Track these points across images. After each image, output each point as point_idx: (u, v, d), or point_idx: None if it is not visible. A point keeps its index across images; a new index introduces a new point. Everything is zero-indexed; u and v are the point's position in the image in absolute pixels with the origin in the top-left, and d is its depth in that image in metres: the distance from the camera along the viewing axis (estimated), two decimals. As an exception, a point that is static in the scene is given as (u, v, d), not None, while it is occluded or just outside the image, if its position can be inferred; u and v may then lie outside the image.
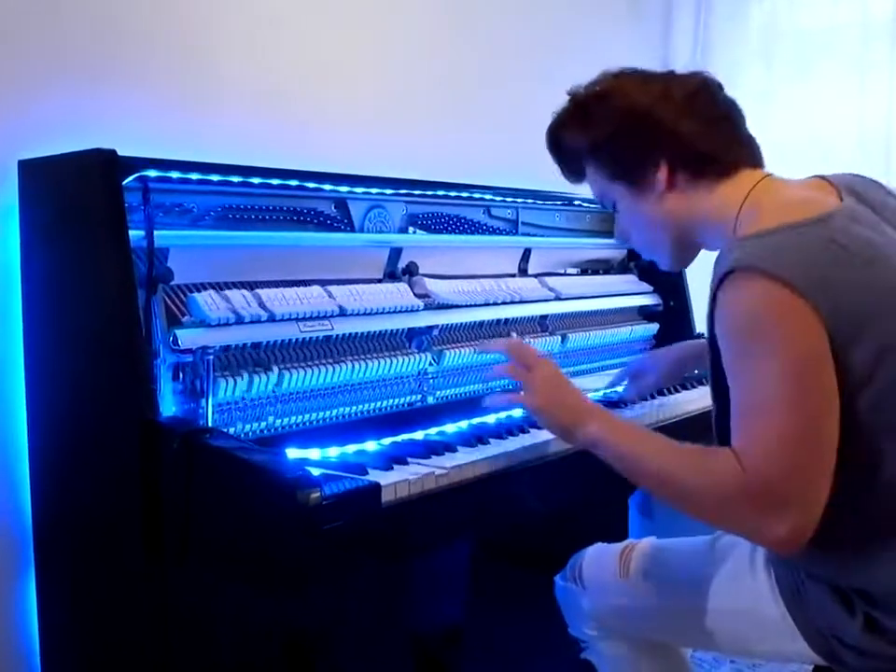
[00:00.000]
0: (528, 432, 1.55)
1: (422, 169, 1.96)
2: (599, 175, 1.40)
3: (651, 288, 2.32)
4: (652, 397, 1.88)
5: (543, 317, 2.00)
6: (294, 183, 1.55)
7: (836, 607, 1.25)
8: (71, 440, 1.43)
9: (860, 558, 1.23)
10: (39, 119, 1.52)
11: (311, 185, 1.58)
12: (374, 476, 1.26)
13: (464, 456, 1.39)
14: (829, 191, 1.28)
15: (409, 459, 1.35)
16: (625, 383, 1.84)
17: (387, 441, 1.47)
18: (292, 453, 1.33)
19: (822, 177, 1.34)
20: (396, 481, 1.25)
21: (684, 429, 1.74)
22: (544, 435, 1.51)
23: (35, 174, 1.44)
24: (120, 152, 1.34)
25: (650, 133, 1.32)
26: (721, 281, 1.16)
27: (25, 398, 1.49)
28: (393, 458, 1.34)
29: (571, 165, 1.45)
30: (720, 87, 1.37)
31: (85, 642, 1.49)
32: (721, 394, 1.23)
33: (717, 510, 1.18)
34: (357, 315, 1.57)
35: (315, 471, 1.25)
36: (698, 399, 1.87)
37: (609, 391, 1.86)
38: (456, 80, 2.25)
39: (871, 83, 2.59)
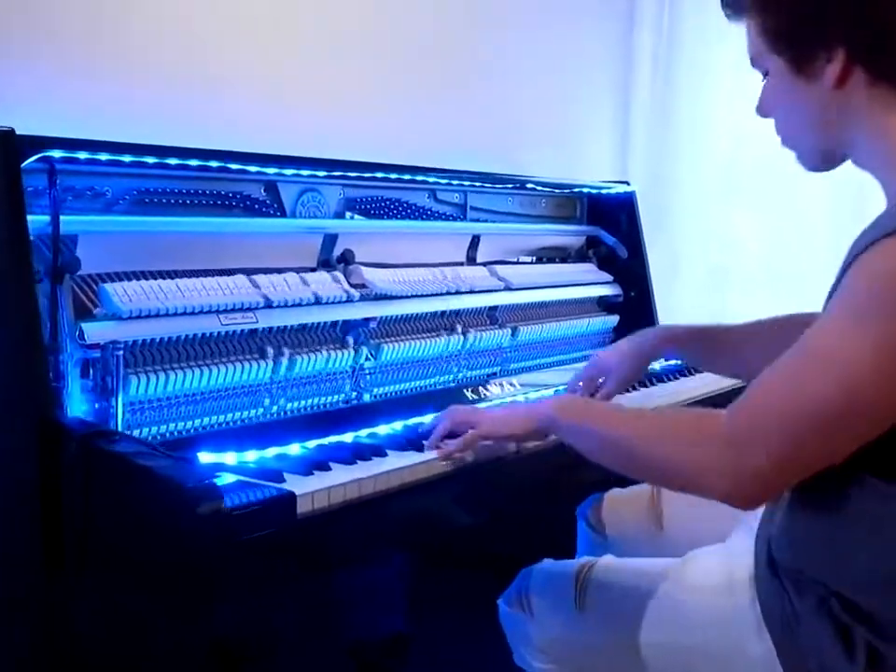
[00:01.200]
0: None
1: (362, 150, 1.93)
2: (758, 35, 1.21)
3: (610, 278, 2.31)
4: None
5: (493, 309, 1.97)
6: (215, 164, 1.51)
7: (834, 641, 1.14)
8: None
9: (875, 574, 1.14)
10: None
11: (235, 167, 1.53)
12: (292, 483, 1.22)
13: (393, 462, 1.35)
14: None
15: (332, 465, 1.31)
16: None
17: (313, 443, 1.42)
18: (205, 457, 1.29)
19: None
20: (314, 489, 1.21)
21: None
22: None
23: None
24: (22, 129, 1.29)
25: (835, 13, 1.13)
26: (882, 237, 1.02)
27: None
28: (315, 463, 1.30)
29: (735, 5, 1.24)
30: None
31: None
32: None
33: (689, 458, 1.13)
34: (286, 306, 1.54)
35: (231, 477, 1.23)
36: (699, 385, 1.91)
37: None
38: (402, 54, 2.21)
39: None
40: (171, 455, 1.21)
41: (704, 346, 1.68)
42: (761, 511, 1.32)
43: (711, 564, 1.34)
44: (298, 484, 1.22)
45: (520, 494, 1.58)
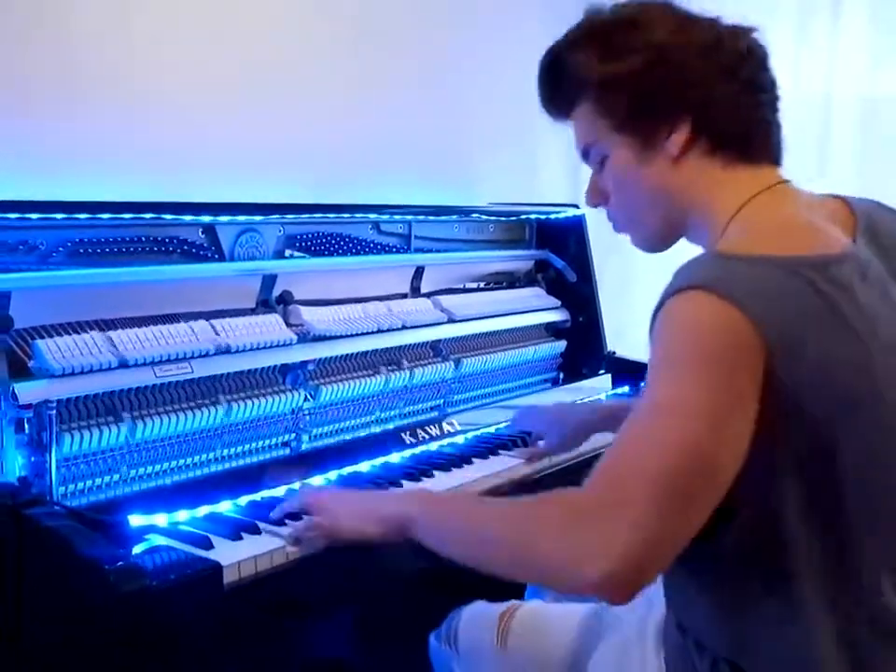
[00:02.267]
0: (401, 486, 1.60)
1: (306, 171, 2.00)
2: (598, 119, 1.24)
3: (558, 303, 2.37)
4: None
5: (436, 341, 2.03)
6: (149, 216, 1.56)
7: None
8: None
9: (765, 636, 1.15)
10: None
11: (169, 217, 1.59)
12: (219, 549, 1.29)
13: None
14: (844, 222, 1.20)
15: (261, 526, 1.38)
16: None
17: (244, 500, 1.49)
18: (135, 519, 1.34)
19: (843, 199, 1.26)
20: (241, 558, 1.27)
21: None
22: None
23: None
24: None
25: (684, 82, 1.19)
26: (670, 295, 1.06)
27: None
28: (244, 526, 1.37)
29: (561, 98, 1.29)
30: (767, 56, 1.24)
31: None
32: None
33: (535, 540, 1.06)
34: (221, 353, 1.60)
35: (160, 540, 1.31)
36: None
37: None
38: (350, 72, 2.24)
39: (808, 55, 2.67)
40: (100, 521, 1.27)
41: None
42: None
43: (628, 613, 1.35)
44: (225, 551, 1.29)
45: None
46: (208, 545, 1.30)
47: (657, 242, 1.30)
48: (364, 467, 1.68)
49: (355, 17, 2.23)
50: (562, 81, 1.27)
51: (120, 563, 1.15)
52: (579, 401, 2.07)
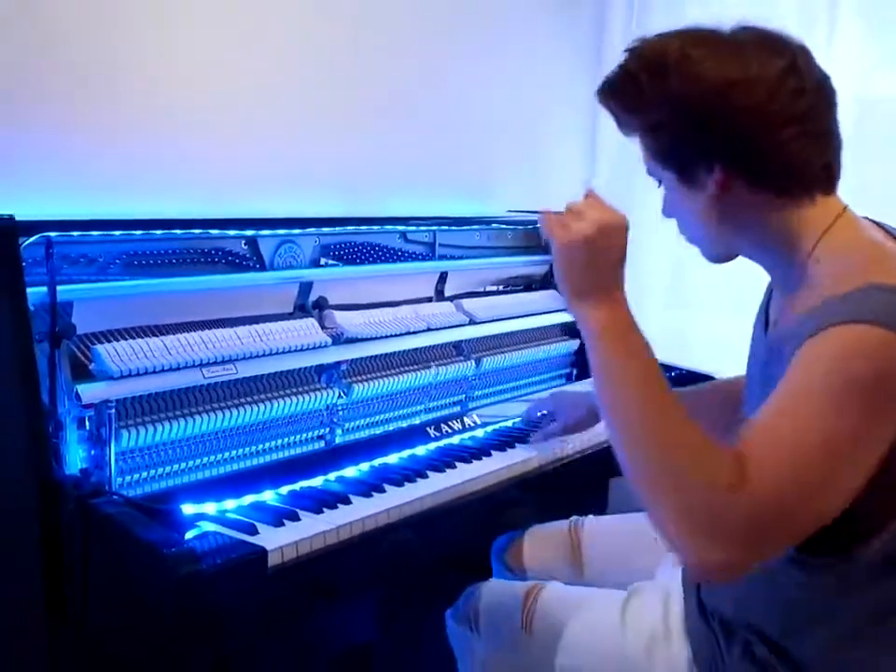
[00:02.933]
0: (427, 476, 1.65)
1: (339, 186, 2.05)
2: (648, 153, 1.25)
3: None
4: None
5: (459, 342, 2.08)
6: (197, 231, 1.63)
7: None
8: None
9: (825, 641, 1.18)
10: None
11: (215, 232, 1.66)
12: (264, 535, 1.35)
13: (356, 511, 1.48)
14: None
15: (301, 514, 1.44)
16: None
17: (285, 489, 1.55)
18: (187, 508, 1.41)
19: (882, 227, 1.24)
20: (284, 543, 1.33)
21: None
22: (445, 480, 1.64)
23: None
24: (21, 194, 1.48)
25: (709, 136, 1.16)
26: (832, 326, 1.04)
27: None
28: (286, 514, 1.43)
29: (624, 127, 1.27)
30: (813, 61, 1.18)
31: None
32: None
33: (688, 506, 1.04)
34: (262, 356, 1.65)
35: (210, 526, 1.37)
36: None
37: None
38: (379, 83, 2.28)
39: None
40: (155, 510, 1.34)
41: None
42: None
43: (652, 602, 1.40)
44: (269, 537, 1.35)
45: (474, 526, 1.71)
46: (253, 531, 1.36)
47: (720, 256, 1.30)
48: (392, 458, 1.74)
49: (383, 47, 2.27)
50: (615, 116, 1.26)
51: (176, 547, 1.21)
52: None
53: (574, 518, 1.77)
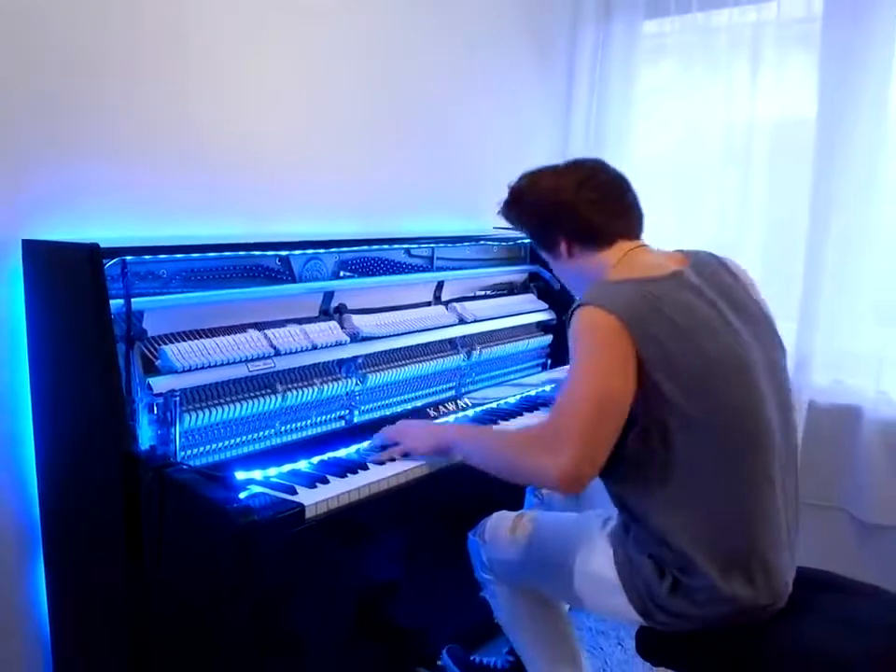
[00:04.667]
0: None
1: (351, 207, 2.18)
2: (531, 241, 1.79)
3: (546, 306, 2.50)
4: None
5: (453, 338, 2.19)
6: (242, 253, 1.77)
7: (651, 572, 1.48)
8: (70, 464, 1.64)
9: (658, 528, 1.47)
10: (34, 198, 1.68)
11: (257, 253, 1.80)
12: (302, 495, 1.50)
13: (371, 475, 1.62)
14: (680, 263, 1.57)
15: (330, 478, 1.58)
16: None
17: (316, 459, 1.69)
18: (239, 475, 1.56)
19: (684, 252, 1.63)
20: (317, 500, 1.48)
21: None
22: None
23: (35, 252, 1.63)
24: (103, 219, 1.63)
25: (550, 223, 1.66)
26: (574, 310, 1.48)
27: (33, 430, 1.71)
28: (318, 478, 1.58)
29: (515, 226, 1.79)
30: (604, 170, 1.66)
31: (84, 619, 1.72)
32: None
33: (524, 461, 1.47)
34: (294, 352, 1.78)
35: (257, 489, 1.52)
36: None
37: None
38: (387, 127, 2.39)
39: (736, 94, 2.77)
40: (215, 476, 1.47)
41: None
42: None
43: (590, 517, 1.68)
44: (306, 496, 1.49)
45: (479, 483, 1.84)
46: (293, 492, 1.51)
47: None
48: None
49: (391, 100, 2.39)
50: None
51: (235, 504, 1.36)
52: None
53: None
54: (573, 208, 1.62)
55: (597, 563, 1.58)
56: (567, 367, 2.32)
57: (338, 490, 1.54)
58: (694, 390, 1.43)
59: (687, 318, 1.46)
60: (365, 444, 1.81)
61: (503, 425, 1.99)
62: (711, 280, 1.55)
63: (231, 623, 1.56)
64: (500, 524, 1.78)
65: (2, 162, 1.64)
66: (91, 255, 1.50)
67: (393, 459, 1.71)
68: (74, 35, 1.71)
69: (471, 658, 2.16)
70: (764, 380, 1.50)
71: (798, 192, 2.62)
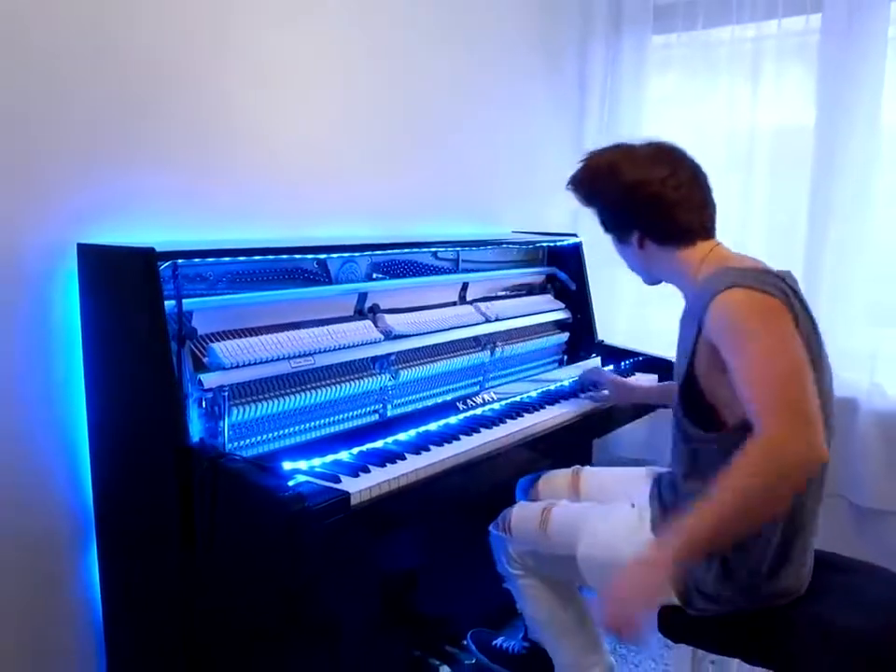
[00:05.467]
0: (460, 439, 1.78)
1: (383, 214, 2.19)
2: (597, 219, 1.67)
3: (563, 305, 2.51)
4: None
5: (477, 336, 2.20)
6: (285, 257, 1.78)
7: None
8: (125, 456, 1.65)
9: None
10: (88, 204, 1.69)
11: (298, 256, 1.81)
12: (346, 484, 1.49)
13: (408, 465, 1.62)
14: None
15: (370, 467, 1.58)
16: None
17: (356, 450, 1.68)
18: (286, 465, 1.55)
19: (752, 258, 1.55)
20: (360, 489, 1.48)
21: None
22: (473, 441, 1.77)
23: (90, 256, 1.63)
24: (155, 224, 1.64)
25: (628, 215, 1.57)
26: (716, 295, 1.35)
27: (87, 425, 1.71)
28: (359, 468, 1.58)
29: (584, 205, 1.68)
30: (685, 163, 1.54)
31: (136, 605, 1.72)
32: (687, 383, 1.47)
33: (768, 474, 1.20)
34: (332, 350, 1.79)
35: (303, 478, 1.51)
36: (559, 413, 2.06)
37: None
38: (408, 140, 2.41)
39: (737, 104, 2.79)
40: (265, 466, 1.47)
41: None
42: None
43: (626, 507, 1.66)
44: (350, 485, 1.49)
45: (503, 473, 1.86)
46: (337, 480, 1.50)
47: (647, 283, 1.71)
48: (433, 426, 1.86)
49: (419, 114, 2.41)
50: (577, 196, 1.68)
51: (287, 492, 1.36)
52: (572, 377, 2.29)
53: (576, 466, 1.98)
54: (655, 207, 1.52)
55: (638, 551, 1.52)
56: (582, 363, 2.39)
57: (380, 479, 1.55)
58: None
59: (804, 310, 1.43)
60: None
61: (527, 417, 1.99)
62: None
63: (276, 607, 1.56)
64: (527, 517, 1.76)
65: (60, 171, 1.65)
66: (147, 259, 1.51)
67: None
68: (133, 49, 1.73)
69: (493, 643, 2.16)
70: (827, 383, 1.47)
71: (797, 199, 2.64)
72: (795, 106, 2.66)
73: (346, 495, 1.46)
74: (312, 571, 1.61)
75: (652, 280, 1.68)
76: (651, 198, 1.52)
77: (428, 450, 1.72)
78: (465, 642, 2.18)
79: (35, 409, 1.67)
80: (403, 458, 1.66)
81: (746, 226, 2.76)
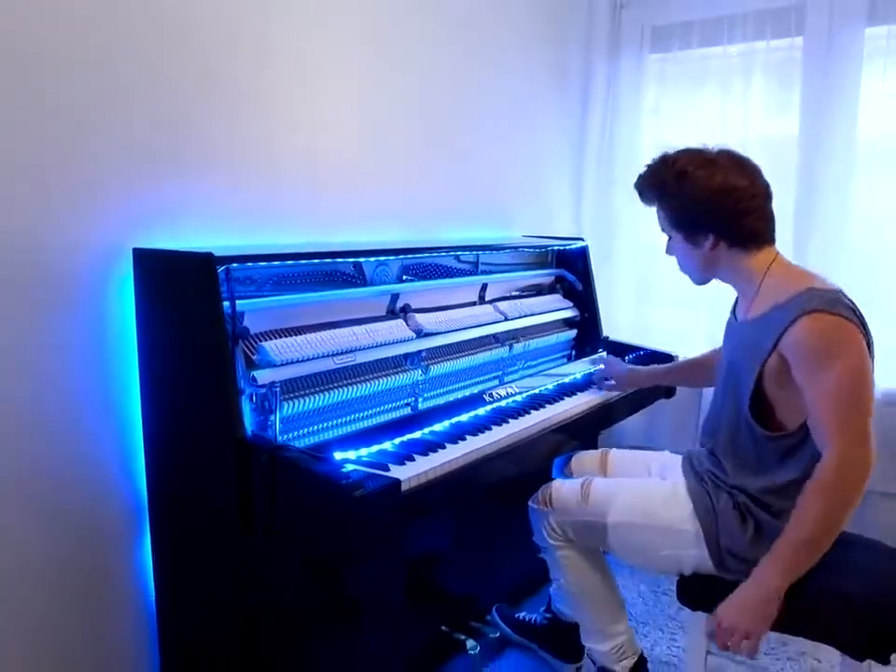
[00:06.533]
0: (491, 429, 1.80)
1: (407, 221, 2.21)
2: (665, 220, 1.65)
3: (571, 304, 2.52)
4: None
5: (496, 333, 2.20)
6: (328, 260, 1.78)
7: (734, 520, 1.53)
8: (179, 449, 1.64)
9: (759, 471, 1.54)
10: (142, 211, 1.68)
11: (340, 260, 1.81)
12: (394, 471, 1.51)
13: (450, 453, 1.63)
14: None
15: (415, 456, 1.60)
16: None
17: (397, 440, 1.69)
18: (338, 455, 1.56)
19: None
20: (409, 475, 1.50)
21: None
22: (504, 431, 1.78)
23: (146, 260, 1.63)
24: (198, 229, 1.64)
25: (706, 219, 1.57)
26: (803, 315, 1.43)
27: (141, 420, 1.71)
28: (404, 457, 1.59)
29: (646, 202, 1.67)
30: (758, 172, 1.57)
31: (189, 591, 1.72)
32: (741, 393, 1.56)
33: (852, 488, 1.41)
34: (371, 347, 1.79)
35: (350, 466, 1.49)
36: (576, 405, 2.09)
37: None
38: (428, 149, 2.41)
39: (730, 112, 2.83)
40: (321, 457, 1.47)
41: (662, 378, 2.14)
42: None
43: (662, 482, 1.73)
44: (398, 472, 1.50)
45: (528, 460, 1.87)
46: (386, 468, 1.52)
47: (700, 283, 1.70)
48: (464, 417, 1.88)
49: (441, 129, 2.42)
50: (642, 192, 1.68)
51: (348, 479, 1.36)
52: (586, 371, 2.34)
53: (602, 448, 2.06)
54: (736, 212, 1.55)
55: (678, 518, 1.61)
56: (591, 357, 2.42)
57: (426, 466, 1.56)
58: None
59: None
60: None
61: (548, 408, 2.01)
62: None
63: (325, 587, 1.56)
64: (568, 490, 1.80)
65: (117, 178, 1.65)
66: (206, 263, 1.51)
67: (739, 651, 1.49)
68: (188, 64, 1.73)
69: (517, 615, 2.19)
70: None
71: (784, 208, 2.67)
72: (781, 118, 2.70)
73: (397, 481, 1.46)
74: (363, 553, 1.63)
75: (704, 280, 1.69)
76: (735, 203, 1.54)
77: (465, 439, 1.73)
78: (489, 617, 2.20)
79: (91, 405, 1.66)
80: (443, 447, 1.68)
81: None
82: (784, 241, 2.62)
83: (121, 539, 1.75)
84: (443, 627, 2.10)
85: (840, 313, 1.41)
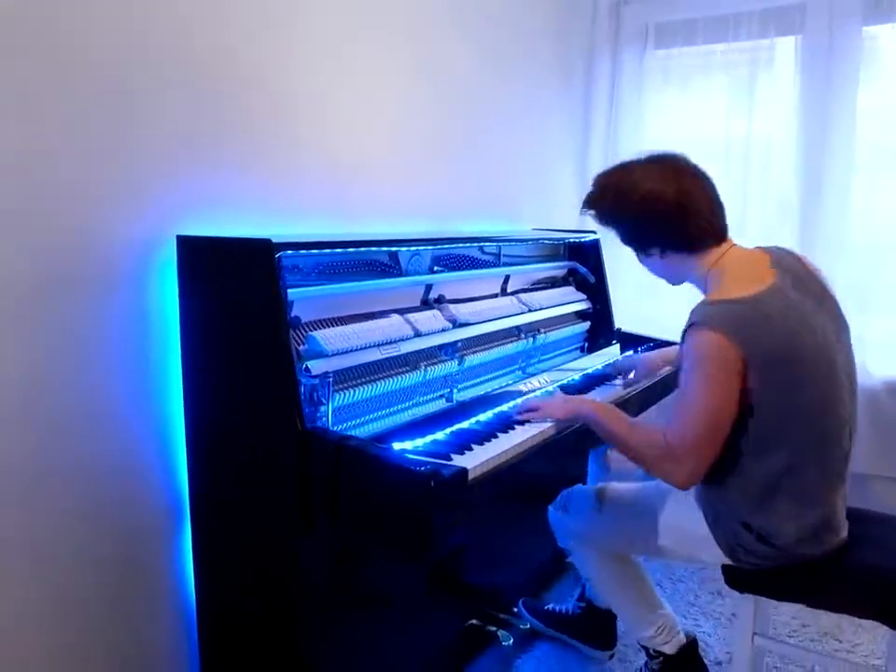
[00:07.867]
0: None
1: (433, 215, 2.23)
2: (616, 235, 1.70)
3: (584, 296, 2.56)
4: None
5: (518, 325, 2.21)
6: (364, 249, 1.76)
7: (739, 527, 1.56)
8: (230, 440, 1.60)
9: (752, 505, 1.55)
10: (184, 199, 1.66)
11: (376, 249, 1.80)
12: (456, 460, 1.50)
13: (503, 443, 1.63)
14: (768, 267, 1.54)
15: (472, 446, 1.59)
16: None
17: (448, 430, 1.68)
18: (396, 445, 1.54)
19: (765, 251, 1.60)
20: (475, 464, 1.49)
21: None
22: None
23: (191, 247, 1.59)
24: (237, 219, 1.63)
25: (646, 231, 1.61)
26: (689, 327, 1.48)
27: (183, 413, 1.68)
28: (462, 446, 1.58)
29: (601, 225, 1.71)
30: (693, 172, 1.58)
31: (234, 588, 1.68)
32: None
33: (651, 463, 1.54)
34: (411, 338, 1.78)
35: (413, 457, 1.48)
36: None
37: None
38: (447, 146, 2.44)
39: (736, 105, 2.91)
40: (382, 446, 1.46)
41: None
42: None
43: (674, 490, 1.70)
44: (462, 461, 1.49)
45: (567, 452, 1.88)
46: (448, 458, 1.50)
47: (672, 285, 1.73)
48: (504, 408, 1.87)
49: (463, 133, 2.46)
50: (596, 217, 1.71)
51: (424, 468, 1.35)
52: (606, 362, 2.35)
53: None
54: (668, 220, 1.56)
55: (688, 522, 1.63)
56: (606, 350, 2.45)
57: (486, 455, 1.55)
58: (790, 385, 1.47)
59: (791, 322, 1.47)
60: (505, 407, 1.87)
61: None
62: (796, 278, 1.54)
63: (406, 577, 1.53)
64: (584, 497, 1.82)
65: (162, 167, 1.62)
66: (266, 250, 1.47)
67: (528, 421, 1.73)
68: (221, 60, 1.71)
69: (545, 607, 2.20)
70: (843, 374, 1.55)
71: (788, 200, 2.76)
72: (784, 118, 2.78)
73: (465, 470, 1.45)
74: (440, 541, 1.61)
75: (676, 283, 1.72)
76: (663, 212, 1.55)
77: (514, 428, 1.73)
78: (515, 609, 2.21)
79: (132, 399, 1.62)
80: (496, 437, 1.67)
81: (743, 233, 2.86)
82: (787, 238, 2.73)
83: (160, 536, 1.71)
84: (474, 621, 2.10)
85: (716, 326, 1.43)
